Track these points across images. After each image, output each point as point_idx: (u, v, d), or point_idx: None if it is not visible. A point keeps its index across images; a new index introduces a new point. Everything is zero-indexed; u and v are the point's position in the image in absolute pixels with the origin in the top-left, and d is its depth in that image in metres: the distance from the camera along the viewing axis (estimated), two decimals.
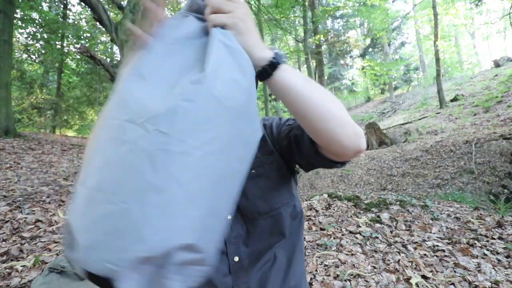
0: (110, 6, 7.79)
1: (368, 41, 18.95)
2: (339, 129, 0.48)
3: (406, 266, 1.85)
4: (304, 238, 2.29)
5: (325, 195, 3.41)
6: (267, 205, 0.65)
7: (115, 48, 12.31)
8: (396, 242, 2.25)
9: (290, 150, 0.64)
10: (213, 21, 0.42)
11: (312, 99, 0.47)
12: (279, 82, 0.46)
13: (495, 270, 1.82)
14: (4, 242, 1.98)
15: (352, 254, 2.02)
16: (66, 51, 11.69)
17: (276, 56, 0.46)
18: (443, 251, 2.09)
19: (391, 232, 2.46)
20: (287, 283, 0.68)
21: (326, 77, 14.13)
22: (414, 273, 1.78)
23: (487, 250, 2.12)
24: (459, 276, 1.75)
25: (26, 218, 2.39)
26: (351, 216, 2.76)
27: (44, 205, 2.80)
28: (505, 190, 4.75)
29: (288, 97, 0.47)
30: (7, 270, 1.61)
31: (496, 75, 12.37)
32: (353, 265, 1.87)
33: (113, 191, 0.32)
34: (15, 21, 8.03)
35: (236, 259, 0.65)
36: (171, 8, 13.04)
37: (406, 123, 10.62)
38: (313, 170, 0.77)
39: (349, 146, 0.50)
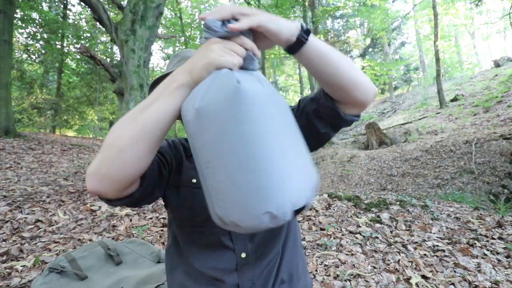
0: (110, 6, 7.79)
1: (368, 41, 18.93)
2: (361, 76, 0.58)
3: (406, 266, 1.85)
4: (304, 238, 2.29)
5: (325, 195, 3.41)
6: None
7: (115, 48, 12.32)
8: (396, 242, 2.25)
9: (310, 126, 0.67)
10: (243, 25, 0.47)
11: (337, 55, 0.57)
12: (313, 46, 0.55)
13: (495, 270, 1.82)
14: (4, 242, 1.98)
15: (352, 254, 2.02)
16: (66, 51, 11.70)
17: (302, 24, 0.54)
18: (443, 251, 2.09)
19: (391, 232, 2.46)
20: (281, 273, 0.70)
21: None
22: (414, 273, 1.78)
23: (487, 250, 2.13)
24: (459, 276, 1.75)
25: (26, 218, 2.39)
26: (351, 216, 2.76)
27: (44, 205, 2.80)
28: (505, 190, 4.75)
29: (321, 57, 0.56)
30: (7, 270, 1.61)
31: (496, 75, 12.37)
32: (353, 265, 1.87)
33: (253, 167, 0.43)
34: (15, 21, 8.03)
35: (244, 255, 0.66)
36: (171, 8, 13.06)
37: (406, 123, 10.62)
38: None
39: (371, 89, 0.60)
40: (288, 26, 0.51)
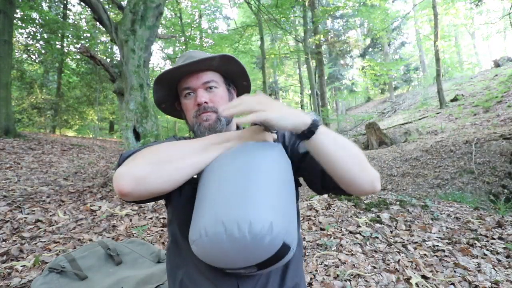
0: (110, 6, 7.79)
1: (368, 41, 18.94)
2: (359, 179, 0.60)
3: (406, 266, 1.86)
4: (304, 238, 2.29)
5: (325, 195, 3.41)
6: None
7: (115, 48, 12.32)
8: (396, 242, 2.25)
9: (299, 169, 0.73)
10: (255, 120, 0.56)
11: (340, 156, 0.59)
12: (314, 143, 0.58)
13: (495, 270, 1.82)
14: (4, 242, 1.98)
15: (352, 254, 2.02)
16: (66, 51, 11.68)
17: (313, 122, 0.57)
18: (443, 251, 2.09)
19: (391, 232, 2.46)
20: (287, 280, 0.69)
21: (326, 77, 14.12)
22: (414, 273, 1.78)
23: (487, 250, 2.13)
24: (459, 276, 1.75)
25: (26, 218, 2.39)
26: (351, 216, 2.76)
27: (44, 205, 2.80)
28: (505, 190, 4.75)
29: (321, 155, 0.60)
30: (7, 270, 1.61)
31: (496, 75, 12.37)
32: (353, 265, 1.87)
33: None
34: (15, 21, 8.02)
35: None
36: (171, 8, 13.05)
37: (406, 123, 10.63)
38: None
39: (367, 190, 0.62)
40: (294, 123, 0.56)
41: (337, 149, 0.58)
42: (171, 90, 0.85)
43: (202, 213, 0.54)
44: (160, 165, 0.56)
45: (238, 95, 0.94)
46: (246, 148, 0.61)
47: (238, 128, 0.84)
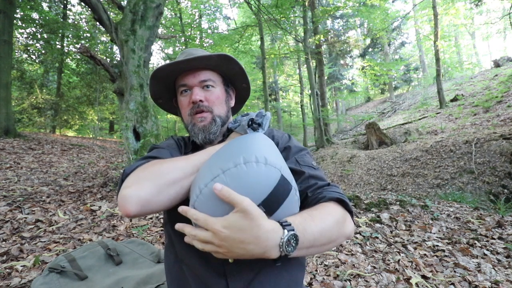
0: (110, 6, 7.78)
1: (368, 41, 18.93)
2: (334, 247, 0.62)
3: (406, 266, 1.85)
4: None
5: None
6: None
7: (115, 48, 12.32)
8: (396, 242, 2.25)
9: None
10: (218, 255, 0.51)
11: (317, 249, 0.56)
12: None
13: (495, 270, 1.82)
14: (4, 242, 1.98)
15: (352, 254, 2.02)
16: (66, 51, 11.68)
17: (283, 245, 0.48)
18: (443, 251, 2.09)
19: (391, 232, 2.46)
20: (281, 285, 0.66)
21: (326, 77, 14.12)
22: (414, 273, 1.78)
23: (487, 250, 2.13)
24: (459, 276, 1.75)
25: (26, 218, 2.39)
26: None
27: (44, 205, 2.80)
28: (505, 190, 4.75)
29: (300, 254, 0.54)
30: (7, 270, 1.61)
31: (496, 75, 12.37)
32: (353, 265, 1.87)
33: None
34: (15, 21, 8.02)
35: (231, 260, 0.65)
36: (171, 8, 13.05)
37: (406, 123, 10.63)
38: None
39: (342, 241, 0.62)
40: (266, 253, 0.48)
41: (316, 248, 0.54)
42: (168, 86, 0.84)
43: (198, 178, 0.57)
44: (164, 186, 0.57)
45: (238, 96, 0.93)
46: (233, 140, 0.65)
47: (229, 131, 0.82)
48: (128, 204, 0.54)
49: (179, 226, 0.54)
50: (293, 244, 0.48)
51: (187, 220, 0.55)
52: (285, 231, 0.48)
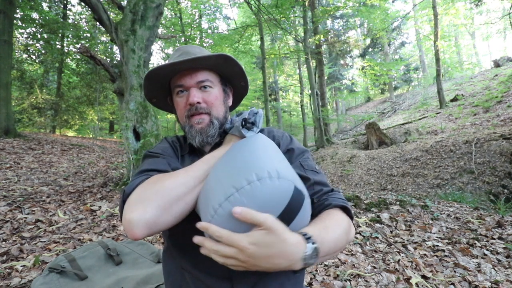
0: (110, 6, 7.78)
1: (368, 41, 18.94)
2: (344, 243, 0.61)
3: (406, 266, 1.85)
4: None
5: None
6: None
7: (115, 48, 12.31)
8: (396, 242, 2.25)
9: None
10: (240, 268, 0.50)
11: (327, 258, 0.57)
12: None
13: (495, 270, 1.82)
14: (4, 242, 1.98)
15: (352, 254, 2.02)
16: (66, 51, 11.68)
17: (306, 258, 0.49)
18: (443, 251, 2.09)
19: (391, 232, 2.46)
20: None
21: (326, 77, 14.12)
22: (414, 273, 1.78)
23: (487, 250, 2.13)
24: (459, 276, 1.75)
25: (26, 218, 2.39)
26: None
27: (44, 205, 2.80)
28: (505, 190, 4.75)
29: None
30: (7, 270, 1.61)
31: (496, 75, 12.37)
32: (353, 265, 1.87)
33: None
34: (15, 21, 8.02)
35: None
36: (171, 8, 13.05)
37: (406, 123, 10.63)
38: None
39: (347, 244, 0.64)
40: (292, 266, 0.50)
41: (327, 256, 0.56)
42: (163, 85, 0.81)
43: (209, 195, 0.55)
44: (169, 205, 0.56)
45: (235, 95, 0.91)
46: (234, 144, 0.65)
47: (225, 132, 0.80)
48: (135, 228, 0.53)
49: (198, 239, 0.52)
50: (314, 257, 0.50)
51: (188, 227, 0.56)
52: (309, 244, 0.49)
